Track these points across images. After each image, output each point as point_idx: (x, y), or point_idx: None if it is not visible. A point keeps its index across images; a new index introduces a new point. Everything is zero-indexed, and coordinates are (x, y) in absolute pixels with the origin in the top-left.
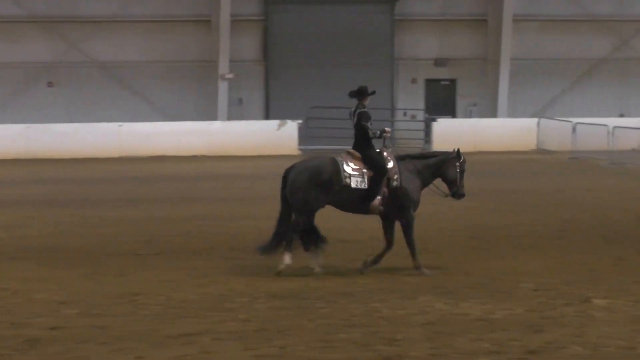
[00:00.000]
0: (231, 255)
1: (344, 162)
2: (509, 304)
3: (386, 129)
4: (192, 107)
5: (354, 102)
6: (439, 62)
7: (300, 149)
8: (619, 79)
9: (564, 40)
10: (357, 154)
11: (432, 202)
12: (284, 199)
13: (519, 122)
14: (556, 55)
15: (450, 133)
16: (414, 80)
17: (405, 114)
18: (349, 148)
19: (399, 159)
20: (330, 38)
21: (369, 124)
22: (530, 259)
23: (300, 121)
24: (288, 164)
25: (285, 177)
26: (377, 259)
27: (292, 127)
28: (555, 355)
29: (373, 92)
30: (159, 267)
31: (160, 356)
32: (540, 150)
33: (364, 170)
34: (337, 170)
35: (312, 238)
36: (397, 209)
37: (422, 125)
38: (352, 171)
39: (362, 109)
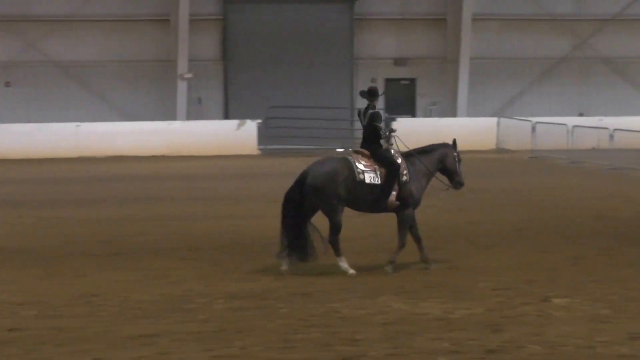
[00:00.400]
0: (190, 255)
1: (355, 161)
2: (468, 303)
3: (393, 128)
4: (151, 107)
5: (313, 100)
6: (398, 62)
7: (260, 149)
8: (578, 78)
9: (523, 40)
10: (366, 152)
11: None
12: (298, 204)
13: (479, 122)
14: (516, 55)
15: (410, 132)
16: (373, 80)
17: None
18: (356, 147)
19: (405, 156)
20: (290, 37)
21: (381, 125)
22: (489, 258)
23: (259, 121)
24: (248, 163)
25: (300, 182)
26: (423, 256)
27: (251, 127)
28: (514, 354)
29: (383, 93)
30: (117, 267)
31: (118, 357)
32: (500, 150)
33: (375, 167)
34: (351, 167)
35: (302, 244)
36: (400, 204)
37: (382, 125)
38: (364, 167)
39: (374, 110)
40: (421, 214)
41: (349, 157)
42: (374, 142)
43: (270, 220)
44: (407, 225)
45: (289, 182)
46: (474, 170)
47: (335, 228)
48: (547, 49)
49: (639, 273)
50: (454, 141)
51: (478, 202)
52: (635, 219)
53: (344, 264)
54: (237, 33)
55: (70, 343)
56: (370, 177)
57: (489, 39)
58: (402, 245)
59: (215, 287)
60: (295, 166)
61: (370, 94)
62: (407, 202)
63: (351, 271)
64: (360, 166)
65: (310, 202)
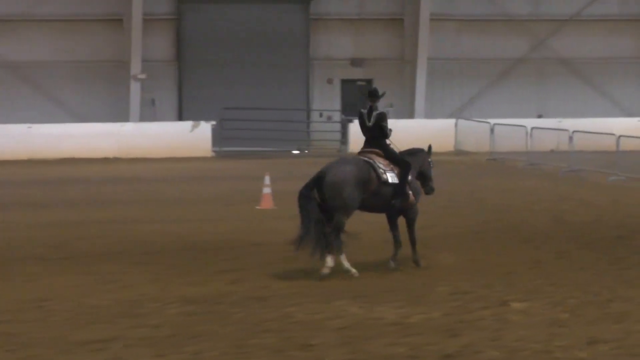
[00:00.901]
0: (142, 259)
1: (374, 161)
2: (425, 308)
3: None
4: (104, 108)
5: (269, 101)
6: (355, 62)
7: (214, 151)
8: (536, 79)
9: (481, 40)
10: (380, 151)
11: None
12: (315, 203)
13: (437, 123)
14: (473, 55)
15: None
16: (329, 81)
17: (321, 115)
18: (367, 148)
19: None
20: (245, 37)
21: (386, 124)
22: (446, 261)
23: (213, 122)
24: (202, 166)
25: (318, 180)
26: (394, 257)
27: (205, 129)
28: (472, 359)
29: (384, 94)
30: (68, 272)
31: None
32: (458, 152)
33: (392, 166)
34: (374, 168)
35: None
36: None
37: (338, 127)
38: (385, 167)
39: (378, 110)
40: (376, 217)
41: (366, 158)
42: (382, 142)
43: (223, 224)
44: (415, 222)
45: (243, 185)
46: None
47: (341, 228)
48: (504, 49)
49: (596, 277)
50: (429, 147)
51: (434, 205)
52: (592, 222)
53: (327, 263)
54: (192, 33)
55: (20, 349)
56: (391, 177)
57: (447, 39)
58: (414, 243)
59: (168, 292)
60: (250, 168)
61: (373, 95)
62: (416, 200)
63: (353, 271)
64: (382, 166)
65: (329, 199)
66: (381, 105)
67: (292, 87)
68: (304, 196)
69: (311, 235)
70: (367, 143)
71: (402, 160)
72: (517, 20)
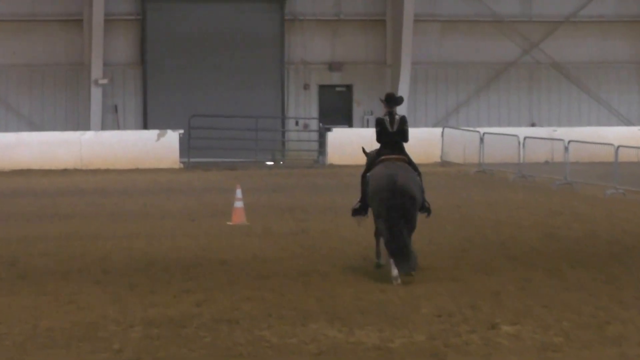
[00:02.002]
0: (102, 278)
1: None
2: (409, 331)
3: None
4: (62, 116)
5: (241, 108)
6: (333, 67)
7: (182, 162)
8: (529, 85)
9: (468, 43)
10: (405, 158)
11: (319, 220)
12: (396, 209)
13: (421, 132)
14: (460, 59)
15: (347, 143)
16: (306, 86)
17: (297, 123)
18: (391, 155)
19: None
20: (214, 39)
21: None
22: (430, 281)
23: (181, 131)
24: (169, 177)
25: (392, 190)
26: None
27: (172, 138)
28: None
29: (401, 98)
30: (22, 292)
31: None
32: (444, 163)
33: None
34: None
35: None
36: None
37: (315, 136)
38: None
39: (399, 115)
40: (353, 233)
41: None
42: (404, 148)
43: (190, 240)
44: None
45: (213, 198)
46: None
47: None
48: (494, 53)
49: (591, 297)
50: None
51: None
52: (586, 238)
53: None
54: (157, 34)
55: None
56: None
57: (431, 41)
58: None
59: (129, 313)
60: (220, 180)
61: (393, 101)
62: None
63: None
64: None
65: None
66: (360, 113)
67: (266, 93)
68: (397, 207)
69: (404, 244)
70: (391, 149)
71: (418, 169)
72: (507, 21)
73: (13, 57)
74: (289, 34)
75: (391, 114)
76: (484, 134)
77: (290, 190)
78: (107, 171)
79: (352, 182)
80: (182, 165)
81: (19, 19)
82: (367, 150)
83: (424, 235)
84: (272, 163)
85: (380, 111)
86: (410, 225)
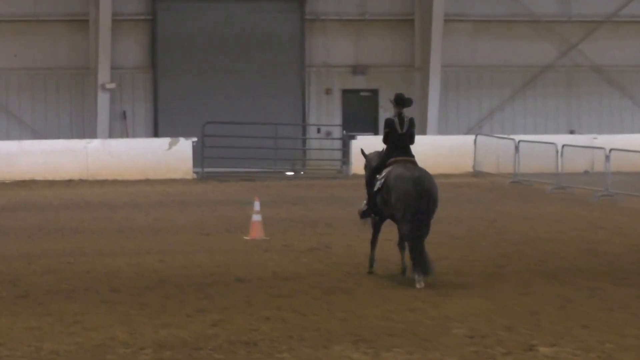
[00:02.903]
0: (111, 297)
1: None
2: (439, 354)
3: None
4: (66, 123)
5: (259, 114)
6: (357, 70)
7: (195, 172)
8: (567, 89)
9: (502, 45)
10: (414, 160)
11: (343, 234)
12: (423, 212)
13: (452, 140)
14: (494, 62)
15: (371, 151)
16: (328, 91)
17: (319, 131)
18: (403, 157)
19: None
20: (230, 41)
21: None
22: (461, 300)
23: (194, 139)
24: (181, 189)
25: (420, 193)
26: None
27: (185, 147)
28: None
29: (410, 99)
30: (24, 312)
31: None
32: (476, 173)
33: None
34: None
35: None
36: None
37: (338, 144)
38: None
39: (409, 116)
40: (379, 249)
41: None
42: (411, 150)
43: (204, 256)
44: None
45: (229, 211)
46: (445, 198)
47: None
48: (530, 55)
49: (635, 317)
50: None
51: (447, 235)
52: (629, 254)
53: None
54: (168, 36)
55: None
56: None
57: (463, 43)
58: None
59: (139, 335)
60: (237, 192)
61: (403, 102)
62: None
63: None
64: None
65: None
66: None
67: (285, 99)
68: (425, 210)
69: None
70: (401, 151)
71: None
72: (544, 21)
73: (14, 60)
74: (310, 34)
75: (400, 115)
76: (519, 142)
77: (311, 203)
78: (114, 182)
79: None
80: (195, 176)
81: (20, 19)
82: (366, 152)
83: (455, 252)
84: (292, 173)
85: (409, 114)
86: (428, 230)
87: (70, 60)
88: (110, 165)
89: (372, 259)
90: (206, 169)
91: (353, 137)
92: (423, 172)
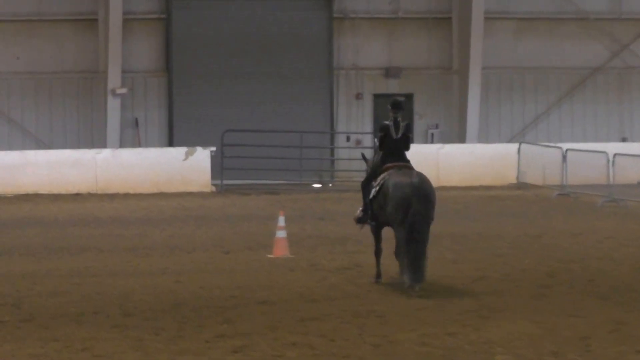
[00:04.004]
0: (123, 321)
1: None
2: None
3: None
4: (73, 132)
5: (283, 122)
6: (390, 73)
7: (214, 185)
8: (619, 93)
9: (548, 45)
10: (410, 165)
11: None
12: (421, 215)
13: (493, 149)
14: (539, 63)
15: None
16: (358, 96)
17: (348, 139)
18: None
19: None
20: (251, 42)
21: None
22: (504, 323)
23: (213, 149)
24: (199, 203)
25: (418, 196)
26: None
27: (202, 157)
28: None
29: (405, 103)
30: (30, 337)
31: None
32: (520, 185)
33: None
34: None
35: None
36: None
37: (369, 153)
38: None
39: (405, 122)
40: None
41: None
42: (405, 155)
43: (224, 276)
44: None
45: (251, 227)
46: (486, 212)
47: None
48: (578, 56)
49: None
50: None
51: (488, 252)
52: None
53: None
54: (184, 36)
55: None
56: None
57: (505, 43)
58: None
59: None
60: (259, 207)
61: (398, 107)
62: None
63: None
64: None
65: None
66: (423, 126)
67: (311, 104)
68: (422, 214)
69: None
70: (396, 156)
71: None
72: (593, 19)
73: (16, 63)
74: (339, 34)
75: (396, 120)
76: (566, 150)
77: (340, 218)
78: (126, 196)
79: None
80: (214, 189)
81: (23, 18)
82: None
83: (497, 270)
84: (319, 186)
85: (447, 127)
86: (427, 235)
87: (78, 63)
88: (121, 178)
89: (379, 270)
90: (226, 181)
91: None
92: (421, 175)
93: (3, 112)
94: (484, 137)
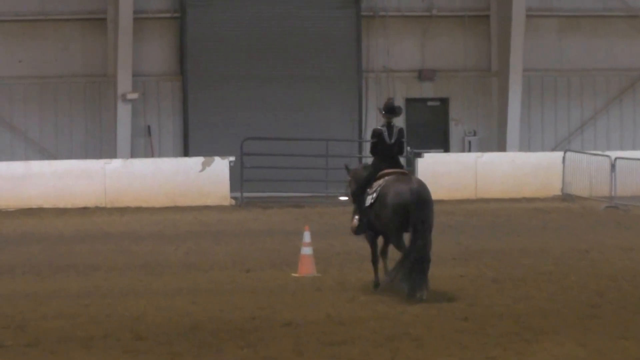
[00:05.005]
0: (135, 346)
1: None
2: None
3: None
4: (80, 140)
5: (307, 129)
6: (423, 75)
7: (233, 198)
8: None
9: (595, 44)
10: (406, 171)
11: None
12: (423, 221)
13: (536, 158)
14: (585, 65)
15: (441, 173)
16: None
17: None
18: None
19: None
20: (273, 43)
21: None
22: (550, 346)
23: (232, 158)
24: (217, 217)
25: (416, 202)
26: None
27: (220, 167)
28: None
29: (400, 108)
30: None
31: None
32: (565, 197)
33: None
34: None
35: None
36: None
37: (402, 162)
38: None
39: (398, 127)
40: (448, 287)
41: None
42: (400, 161)
43: (244, 297)
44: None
45: (272, 243)
46: (528, 226)
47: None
48: (628, 56)
49: None
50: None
51: (532, 270)
52: None
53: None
54: (200, 37)
55: None
56: None
57: (548, 43)
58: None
59: None
60: (282, 221)
61: (393, 112)
62: None
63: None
64: None
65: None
66: (459, 133)
67: (338, 110)
68: (424, 220)
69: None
70: (389, 162)
71: None
72: None
73: (19, 67)
74: (368, 34)
75: (389, 124)
76: (615, 159)
77: None
78: (138, 210)
79: (452, 221)
80: (233, 202)
81: (26, 18)
82: (350, 167)
83: (542, 289)
84: (347, 198)
85: (485, 134)
86: (429, 243)
87: (85, 66)
88: (132, 190)
89: (377, 279)
90: (246, 194)
91: (419, 155)
92: (419, 182)
93: (5, 120)
94: (526, 145)
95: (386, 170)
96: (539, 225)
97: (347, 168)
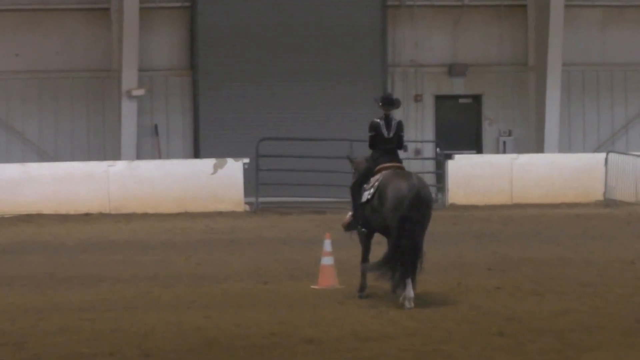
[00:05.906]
0: None
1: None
2: None
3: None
4: (82, 141)
5: (327, 129)
6: (455, 70)
7: (248, 203)
8: None
9: None
10: (403, 165)
11: (439, 281)
12: (419, 221)
13: (577, 160)
14: (630, 59)
15: (474, 175)
16: (417, 98)
17: (405, 149)
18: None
19: None
20: (290, 35)
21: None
22: None
23: (246, 160)
24: (230, 224)
25: (414, 200)
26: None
27: (234, 170)
28: None
29: (398, 100)
30: None
31: None
32: (609, 202)
33: None
34: None
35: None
36: None
37: (431, 165)
38: None
39: (396, 119)
40: (483, 299)
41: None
42: (398, 155)
43: (261, 310)
44: None
45: (290, 252)
46: (569, 234)
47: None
48: None
49: None
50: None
51: (573, 281)
52: None
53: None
54: (212, 29)
55: None
56: None
57: (590, 35)
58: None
59: None
60: (301, 229)
61: (391, 103)
62: None
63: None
64: None
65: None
66: (493, 133)
67: (362, 108)
68: (409, 220)
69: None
70: (388, 156)
71: None
72: None
73: (16, 61)
74: (394, 25)
75: (387, 117)
76: None
77: None
78: (145, 216)
79: (487, 229)
80: (248, 208)
81: (24, 8)
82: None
83: (585, 303)
84: None
85: (522, 134)
86: (420, 248)
87: (88, 60)
88: (138, 195)
89: (363, 283)
90: (262, 199)
91: (449, 157)
92: (419, 179)
93: (1, 119)
94: (566, 146)
95: (384, 165)
96: (580, 233)
97: (349, 159)
